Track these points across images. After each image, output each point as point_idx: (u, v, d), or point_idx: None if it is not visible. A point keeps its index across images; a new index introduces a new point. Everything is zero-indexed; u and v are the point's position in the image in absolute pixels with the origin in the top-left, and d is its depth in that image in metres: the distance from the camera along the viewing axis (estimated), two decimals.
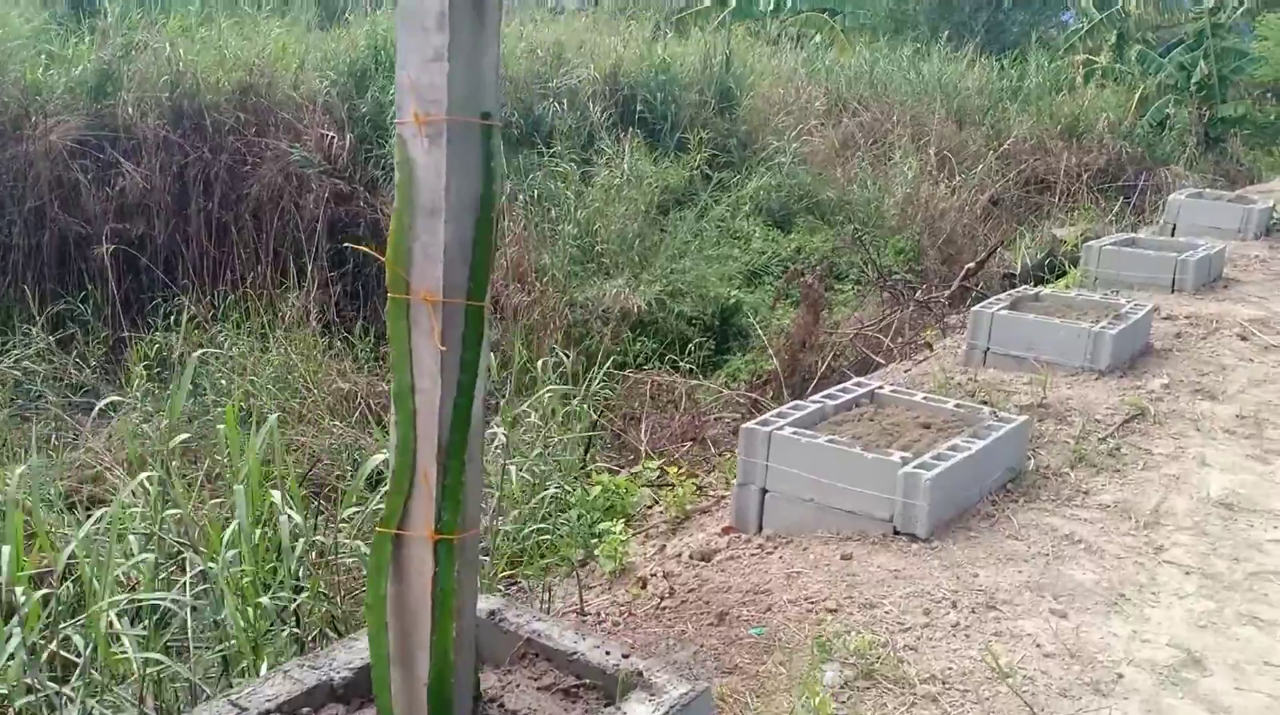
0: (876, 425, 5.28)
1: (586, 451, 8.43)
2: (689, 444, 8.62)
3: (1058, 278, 11.70)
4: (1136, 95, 24.21)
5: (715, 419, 9.89)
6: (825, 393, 5.67)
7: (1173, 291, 9.08)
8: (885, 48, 26.26)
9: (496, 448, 5.59)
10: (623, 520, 5.86)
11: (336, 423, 8.39)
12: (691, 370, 11.41)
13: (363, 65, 16.65)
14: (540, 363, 9.34)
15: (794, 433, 4.90)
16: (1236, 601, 4.07)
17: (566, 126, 16.50)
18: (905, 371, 7.98)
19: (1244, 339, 7.78)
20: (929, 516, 4.53)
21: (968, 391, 6.48)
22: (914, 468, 4.57)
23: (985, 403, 6.09)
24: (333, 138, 15.42)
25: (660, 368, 11.49)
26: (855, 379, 6.15)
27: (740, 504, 5.07)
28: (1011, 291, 8.14)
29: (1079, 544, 4.51)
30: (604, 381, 11.26)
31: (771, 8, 27.13)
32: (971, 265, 13.15)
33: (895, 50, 25.82)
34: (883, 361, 9.63)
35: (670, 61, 19.03)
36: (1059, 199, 21.26)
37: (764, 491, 4.98)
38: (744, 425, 5.10)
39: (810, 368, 10.99)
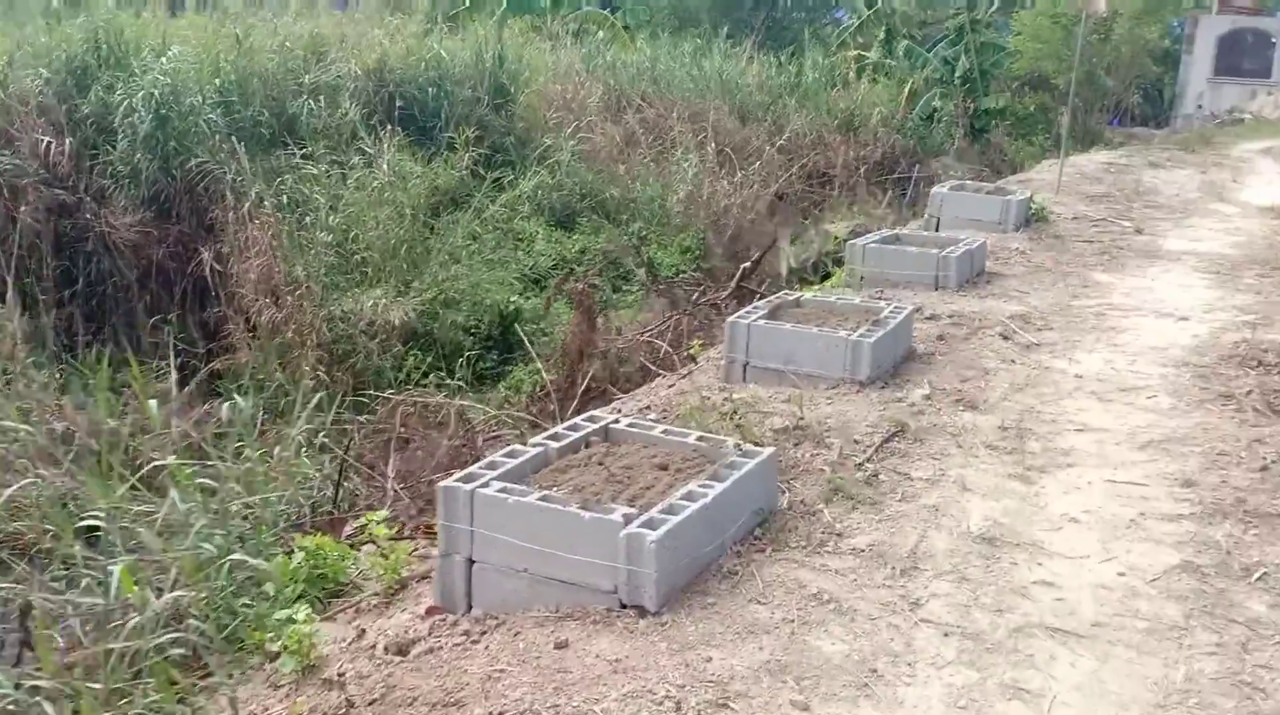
0: (606, 470, 4.54)
1: (337, 494, 7.44)
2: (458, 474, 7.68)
3: (822, 279, 11.48)
4: (906, 89, 24.86)
5: (490, 440, 9.04)
6: (549, 433, 4.89)
7: (936, 289, 8.85)
8: (667, 44, 26.05)
9: None
10: (328, 595, 4.96)
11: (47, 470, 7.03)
12: (461, 386, 10.52)
13: (82, 62, 14.86)
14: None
15: (501, 490, 4.09)
16: (1000, 668, 3.54)
17: (322, 125, 15.24)
18: (670, 387, 7.37)
19: (1006, 338, 7.56)
20: (657, 585, 3.82)
21: (723, 413, 5.86)
22: (638, 527, 3.84)
23: (739, 427, 5.50)
24: (50, 143, 13.65)
25: (432, 384, 10.55)
26: (588, 413, 5.41)
27: (445, 578, 4.23)
28: (772, 297, 7.63)
29: (829, 604, 3.90)
30: (365, 404, 10.21)
31: (550, 3, 26.39)
32: (747, 265, 12.80)
33: (676, 47, 25.64)
34: (663, 371, 9.05)
35: (443, 57, 17.94)
36: (839, 192, 21.48)
37: (471, 562, 4.16)
38: (442, 483, 4.25)
39: (596, 377, 10.32)
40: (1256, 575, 4.20)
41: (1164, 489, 5.07)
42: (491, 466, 4.37)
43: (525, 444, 4.85)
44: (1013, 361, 7.07)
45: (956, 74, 24.11)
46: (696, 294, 12.99)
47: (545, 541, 3.97)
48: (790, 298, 7.65)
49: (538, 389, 10.53)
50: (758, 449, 4.79)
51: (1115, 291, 9.09)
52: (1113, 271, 9.87)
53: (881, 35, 26.30)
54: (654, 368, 9.95)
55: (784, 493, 4.92)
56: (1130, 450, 5.59)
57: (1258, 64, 42.75)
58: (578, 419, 5.14)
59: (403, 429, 9.44)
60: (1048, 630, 3.79)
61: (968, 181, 13.66)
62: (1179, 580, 4.15)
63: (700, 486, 4.26)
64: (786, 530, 4.53)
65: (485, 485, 4.13)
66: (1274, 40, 41.95)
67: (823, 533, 4.51)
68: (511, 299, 13.43)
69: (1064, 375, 6.83)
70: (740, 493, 4.44)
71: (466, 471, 4.34)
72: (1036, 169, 17.61)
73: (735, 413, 5.88)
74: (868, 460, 5.30)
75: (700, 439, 4.93)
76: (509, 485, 4.15)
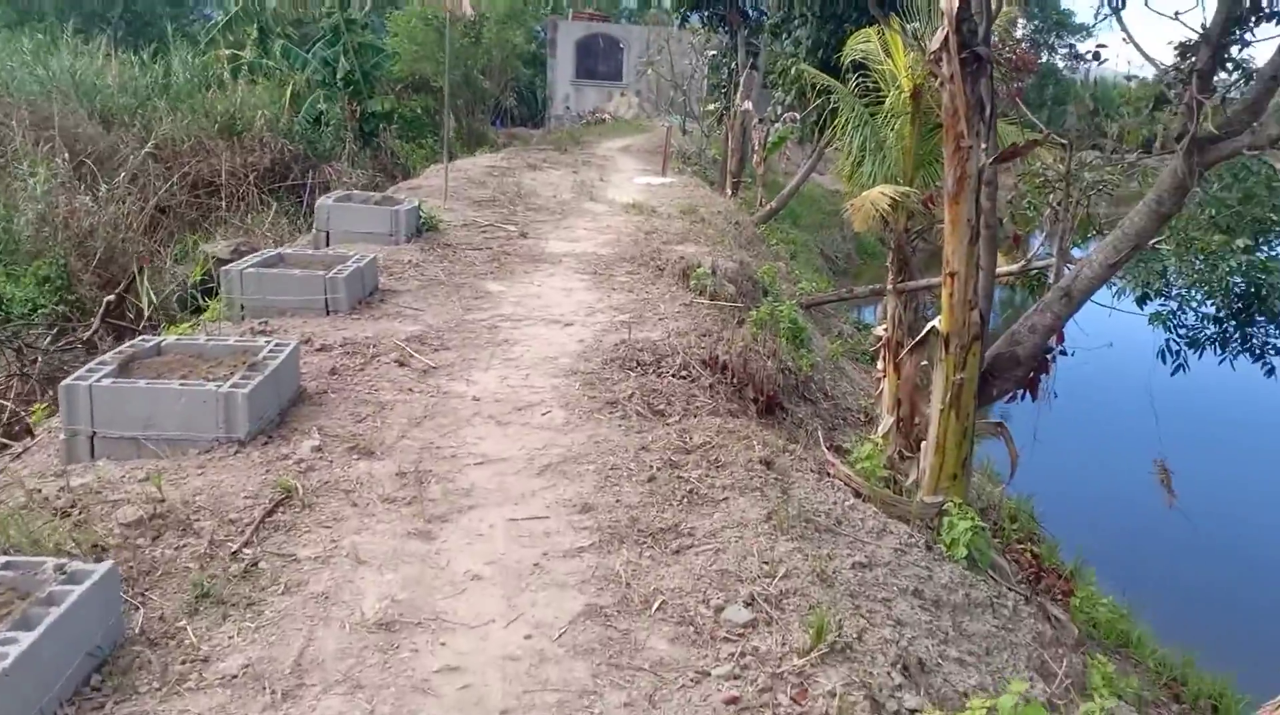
0: None
1: None
2: None
3: (195, 313, 10.22)
4: (289, 91, 23.74)
5: None
6: None
7: (328, 313, 8.17)
8: (1, 39, 22.15)
9: None
10: None
11: None
12: None
13: None
14: None
15: None
16: None
17: None
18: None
19: (403, 364, 7.10)
20: None
21: (57, 511, 4.64)
22: None
23: (77, 528, 4.34)
24: None
25: None
26: None
27: None
28: (124, 346, 6.36)
29: None
30: None
31: None
32: (111, 298, 11.02)
33: (12, 43, 21.89)
34: None
35: None
36: (227, 204, 19.86)
37: None
38: None
39: None
40: (656, 605, 4.15)
41: (564, 519, 4.92)
42: None
43: None
44: (411, 390, 6.63)
45: (339, 76, 23.49)
46: (51, 338, 10.92)
47: None
48: (149, 344, 6.44)
49: None
50: (91, 567, 3.74)
51: (506, 301, 9.13)
52: (503, 279, 9.96)
53: (255, 34, 24.78)
54: None
55: (137, 610, 3.92)
56: (530, 477, 5.41)
57: (610, 67, 48.19)
58: None
59: None
60: None
61: (355, 192, 13.12)
62: (585, 630, 3.94)
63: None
64: (136, 668, 3.56)
65: None
66: (622, 45, 47.53)
67: (184, 662, 3.62)
68: None
69: (463, 400, 6.54)
70: (63, 637, 3.38)
71: None
72: (426, 174, 17.65)
73: (74, 508, 4.69)
74: (246, 544, 4.46)
75: (7, 565, 3.74)
76: None
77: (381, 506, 4.96)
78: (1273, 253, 11.52)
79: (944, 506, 6.15)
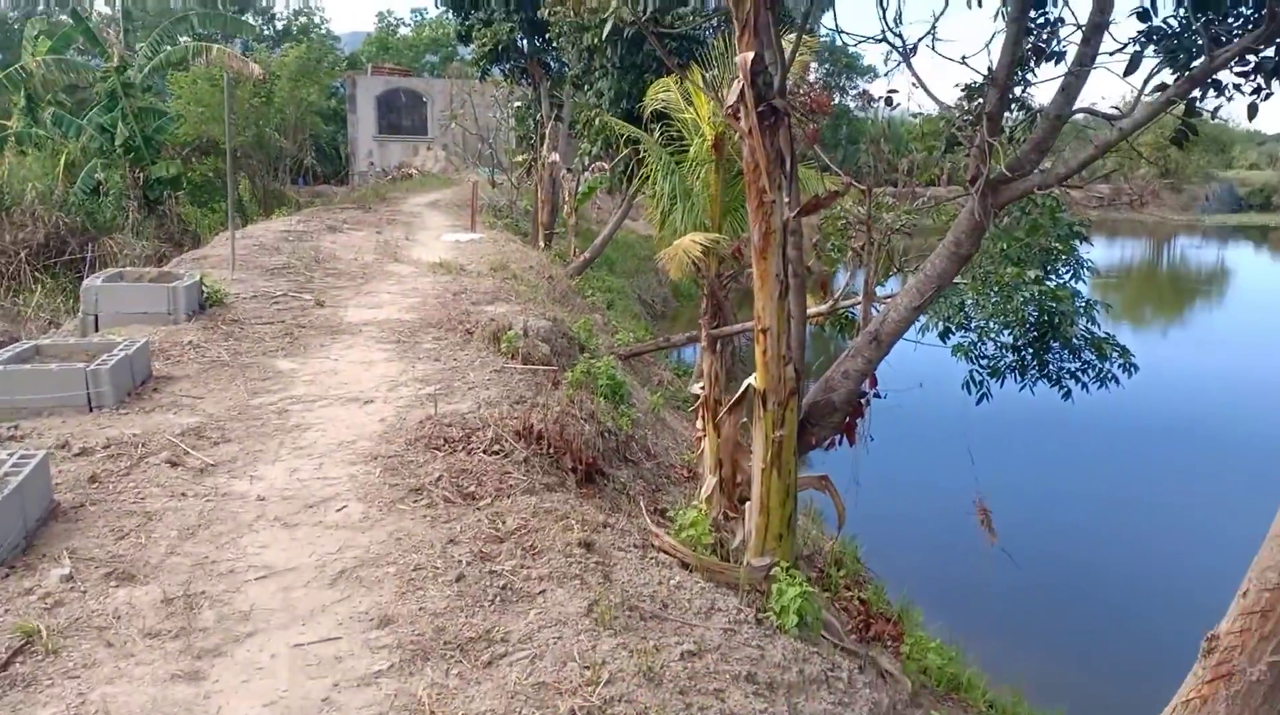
0: None
1: None
2: None
3: None
4: (63, 161, 22.07)
5: None
6: None
7: (91, 410, 7.29)
8: None
9: None
10: None
11: None
12: None
13: None
14: None
15: None
16: None
17: None
18: None
19: (176, 464, 6.34)
20: None
21: None
22: None
23: None
24: None
25: None
26: None
27: None
28: None
29: None
30: None
31: None
32: None
33: None
34: None
35: None
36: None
37: None
38: None
39: None
40: None
41: (360, 637, 4.36)
42: None
43: None
44: (184, 495, 5.90)
45: (118, 142, 21.98)
46: None
47: None
48: None
49: None
50: None
51: (299, 380, 8.43)
52: (295, 356, 9.23)
53: (21, 102, 22.94)
54: None
55: None
56: (321, 589, 4.82)
57: (414, 121, 47.46)
58: None
59: None
60: None
61: (127, 269, 12.06)
62: None
63: None
64: None
65: None
66: (425, 99, 46.89)
67: None
68: None
69: (245, 501, 5.86)
70: None
71: None
72: (214, 242, 16.55)
73: None
74: None
75: None
76: None
77: (142, 644, 4.27)
78: (1062, 281, 12.07)
79: (772, 569, 5.90)
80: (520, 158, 30.40)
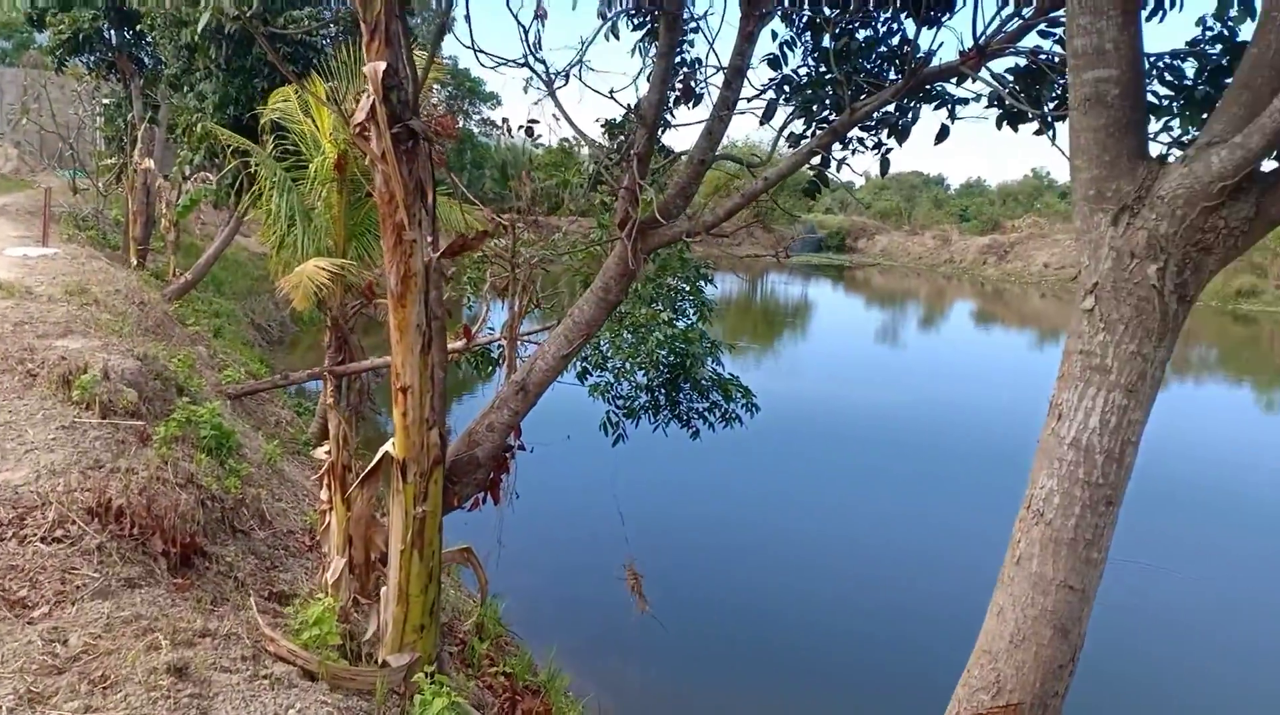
0: None
1: None
2: None
3: None
4: None
5: None
6: None
7: None
8: None
9: None
10: None
11: None
12: None
13: None
14: None
15: None
16: None
17: None
18: None
19: None
20: None
21: None
22: None
23: None
24: None
25: None
26: None
27: None
28: None
29: None
30: None
31: None
32: None
33: None
34: None
35: None
36: None
37: None
38: None
39: None
40: None
41: None
42: None
43: None
44: None
45: None
46: None
47: None
48: None
49: None
50: None
51: None
52: None
53: None
54: None
55: None
56: None
57: None
58: None
59: None
60: None
61: None
62: None
63: None
64: None
65: None
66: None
67: None
68: None
69: None
70: None
71: None
72: None
73: None
74: None
75: None
76: None
77: None
78: (690, 322, 12.28)
79: (413, 670, 5.08)
80: (109, 161, 26.87)
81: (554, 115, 6.97)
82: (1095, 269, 3.52)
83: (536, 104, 6.13)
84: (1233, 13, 4.77)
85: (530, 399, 7.32)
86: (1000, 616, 3.83)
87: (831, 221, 79.76)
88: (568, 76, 6.16)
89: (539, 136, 7.05)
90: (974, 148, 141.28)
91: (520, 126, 7.40)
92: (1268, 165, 3.34)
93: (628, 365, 11.66)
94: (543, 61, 6.41)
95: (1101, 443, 3.59)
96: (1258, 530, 15.76)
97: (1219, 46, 4.82)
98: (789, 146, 6.92)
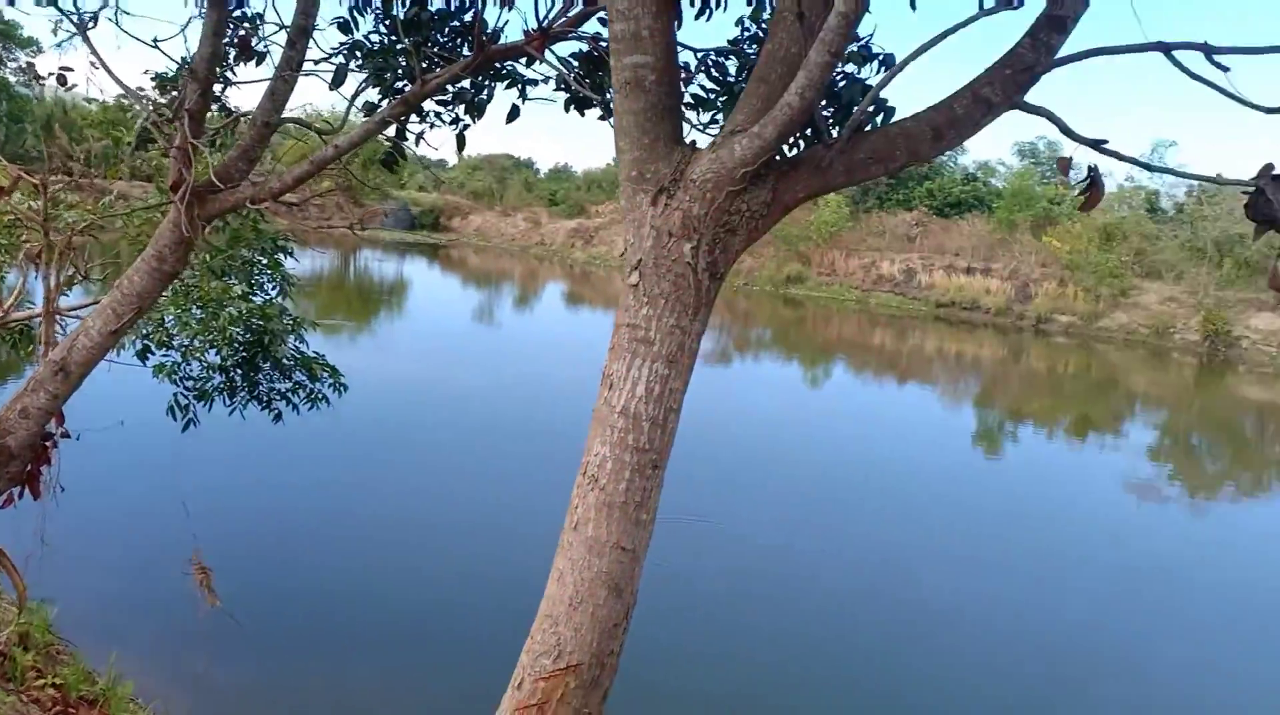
0: None
1: None
2: None
3: None
4: None
5: None
6: None
7: None
8: None
9: None
10: None
11: None
12: None
13: None
14: None
15: None
16: None
17: None
18: None
19: None
20: None
21: None
22: None
23: None
24: None
25: None
26: None
27: None
28: None
29: None
30: None
31: None
32: None
33: None
34: None
35: None
36: None
37: None
38: None
39: None
40: None
41: None
42: None
43: None
44: None
45: None
46: None
47: None
48: None
49: None
50: None
51: None
52: None
53: None
54: None
55: None
56: None
57: None
58: None
59: None
60: None
61: None
62: None
63: None
64: None
65: None
66: None
67: None
68: None
69: None
70: None
71: None
72: None
73: None
74: None
75: None
76: None
77: None
78: (268, 297, 11.56)
79: None
80: None
81: (90, 63, 6.22)
82: (639, 247, 3.75)
83: (59, 47, 5.42)
84: (766, 15, 5.31)
85: (73, 381, 6.54)
86: (560, 581, 3.98)
87: (425, 199, 79.22)
88: (96, 18, 5.49)
89: (74, 85, 6.26)
90: (558, 133, 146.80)
91: (50, 73, 6.53)
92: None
93: (197, 343, 10.75)
94: (74, 2, 5.69)
95: (647, 410, 3.84)
96: (793, 487, 17.98)
97: (755, 46, 5.34)
98: (364, 115, 6.71)
